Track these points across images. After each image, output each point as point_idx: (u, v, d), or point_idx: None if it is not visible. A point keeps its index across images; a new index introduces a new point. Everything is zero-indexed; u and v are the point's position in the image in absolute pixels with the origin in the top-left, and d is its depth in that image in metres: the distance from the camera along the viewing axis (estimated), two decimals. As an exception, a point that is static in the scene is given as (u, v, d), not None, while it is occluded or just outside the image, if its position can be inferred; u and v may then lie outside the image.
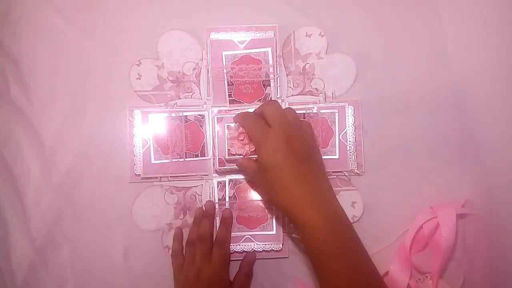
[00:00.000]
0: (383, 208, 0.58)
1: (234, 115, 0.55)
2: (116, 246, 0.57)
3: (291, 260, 0.58)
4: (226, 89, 0.58)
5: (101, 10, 0.61)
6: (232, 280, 0.56)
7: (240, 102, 0.58)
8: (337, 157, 0.58)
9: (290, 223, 0.51)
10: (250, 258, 0.57)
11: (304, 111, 0.58)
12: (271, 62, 0.59)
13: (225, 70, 0.58)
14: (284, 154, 0.47)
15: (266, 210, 0.57)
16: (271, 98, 0.58)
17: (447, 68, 0.60)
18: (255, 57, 0.59)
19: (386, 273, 0.56)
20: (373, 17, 0.61)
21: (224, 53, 0.59)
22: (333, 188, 0.50)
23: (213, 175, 0.58)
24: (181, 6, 0.61)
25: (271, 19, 0.60)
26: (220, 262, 0.54)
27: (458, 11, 0.59)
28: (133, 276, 0.57)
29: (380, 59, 0.61)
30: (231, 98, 0.58)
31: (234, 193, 0.58)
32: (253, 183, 0.58)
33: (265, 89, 0.59)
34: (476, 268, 0.55)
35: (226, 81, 0.58)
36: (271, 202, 0.56)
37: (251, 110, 0.56)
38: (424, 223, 0.56)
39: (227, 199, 0.57)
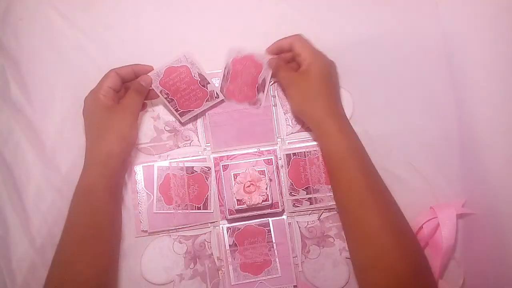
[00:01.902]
0: (383, 208, 0.58)
1: (238, 162, 0.57)
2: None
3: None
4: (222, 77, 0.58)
5: (101, 10, 0.61)
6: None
7: (190, 111, 0.58)
8: None
9: (315, 130, 0.55)
10: (145, 78, 0.56)
11: (305, 150, 0.58)
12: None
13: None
14: (331, 69, 0.56)
15: (269, 252, 0.57)
16: (260, 104, 0.59)
17: (448, 67, 0.60)
18: (178, 65, 0.57)
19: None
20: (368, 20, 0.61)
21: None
22: None
23: (221, 221, 0.58)
24: (174, 54, 0.59)
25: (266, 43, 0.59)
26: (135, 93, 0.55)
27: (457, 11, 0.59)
28: (133, 276, 0.57)
29: (378, 59, 0.61)
30: (179, 111, 0.58)
31: (234, 241, 0.57)
32: (288, 88, 0.57)
33: (258, 94, 0.59)
34: (476, 268, 0.55)
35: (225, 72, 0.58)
36: (300, 108, 0.56)
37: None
38: (424, 223, 0.56)
39: (227, 247, 0.57)
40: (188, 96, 0.58)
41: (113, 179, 0.53)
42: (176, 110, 0.58)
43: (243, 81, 0.59)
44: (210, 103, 0.58)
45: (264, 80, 0.58)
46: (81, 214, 0.51)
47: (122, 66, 0.56)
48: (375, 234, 0.48)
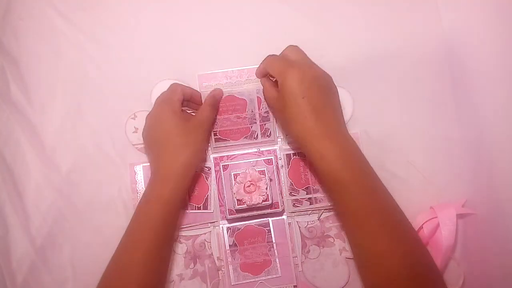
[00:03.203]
0: (383, 208, 0.58)
1: (238, 162, 0.57)
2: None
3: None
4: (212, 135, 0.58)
5: (101, 10, 0.61)
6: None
7: (225, 140, 0.58)
8: None
9: (306, 153, 0.51)
10: (216, 92, 0.57)
11: None
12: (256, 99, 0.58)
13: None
14: (309, 82, 0.49)
15: (269, 252, 0.57)
16: (257, 135, 0.58)
17: (448, 67, 0.60)
18: (240, 96, 0.58)
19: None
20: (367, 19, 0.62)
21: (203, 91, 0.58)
22: None
23: (221, 221, 0.58)
24: (173, 54, 0.61)
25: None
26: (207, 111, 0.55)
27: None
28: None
29: (378, 58, 0.61)
30: (216, 136, 0.58)
31: (234, 241, 0.57)
32: (273, 112, 0.58)
33: (251, 127, 0.58)
34: (476, 268, 0.55)
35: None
36: (287, 133, 0.57)
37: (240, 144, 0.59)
38: (424, 223, 0.56)
39: (227, 247, 0.57)
40: (232, 127, 0.58)
41: (186, 191, 0.55)
42: (215, 134, 0.58)
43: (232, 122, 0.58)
44: (247, 141, 0.58)
45: (252, 113, 0.58)
46: (153, 223, 0.51)
47: (185, 86, 0.57)
48: (383, 257, 0.46)
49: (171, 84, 0.56)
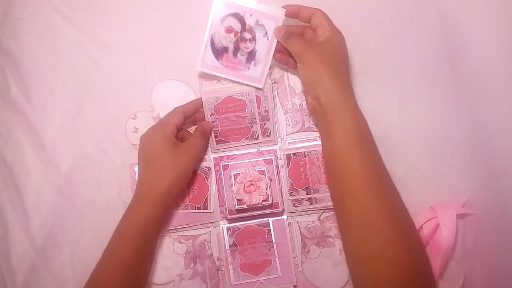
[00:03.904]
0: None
1: (238, 162, 0.57)
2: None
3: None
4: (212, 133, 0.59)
5: (101, 10, 0.61)
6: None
7: (226, 142, 0.59)
8: None
9: (326, 106, 0.51)
10: (206, 124, 0.57)
11: (305, 150, 0.58)
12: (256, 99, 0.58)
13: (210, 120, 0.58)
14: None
15: (269, 252, 0.57)
16: (258, 136, 0.59)
17: (449, 67, 0.60)
18: (239, 98, 0.58)
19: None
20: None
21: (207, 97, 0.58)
22: None
23: (221, 221, 0.58)
24: (173, 54, 0.61)
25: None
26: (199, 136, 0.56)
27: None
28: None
29: (378, 59, 0.61)
30: (217, 138, 0.58)
31: (234, 241, 0.57)
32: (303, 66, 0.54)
33: (252, 127, 0.58)
34: (476, 268, 0.55)
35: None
36: (315, 80, 0.52)
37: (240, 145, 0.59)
38: (424, 223, 0.56)
39: (227, 247, 0.57)
40: (232, 128, 0.58)
41: (167, 210, 0.55)
42: (216, 136, 0.58)
43: (233, 123, 0.58)
44: (248, 142, 0.59)
45: (253, 114, 0.58)
46: (129, 244, 0.51)
47: (186, 104, 0.57)
48: (380, 226, 0.47)
49: (174, 108, 0.56)
